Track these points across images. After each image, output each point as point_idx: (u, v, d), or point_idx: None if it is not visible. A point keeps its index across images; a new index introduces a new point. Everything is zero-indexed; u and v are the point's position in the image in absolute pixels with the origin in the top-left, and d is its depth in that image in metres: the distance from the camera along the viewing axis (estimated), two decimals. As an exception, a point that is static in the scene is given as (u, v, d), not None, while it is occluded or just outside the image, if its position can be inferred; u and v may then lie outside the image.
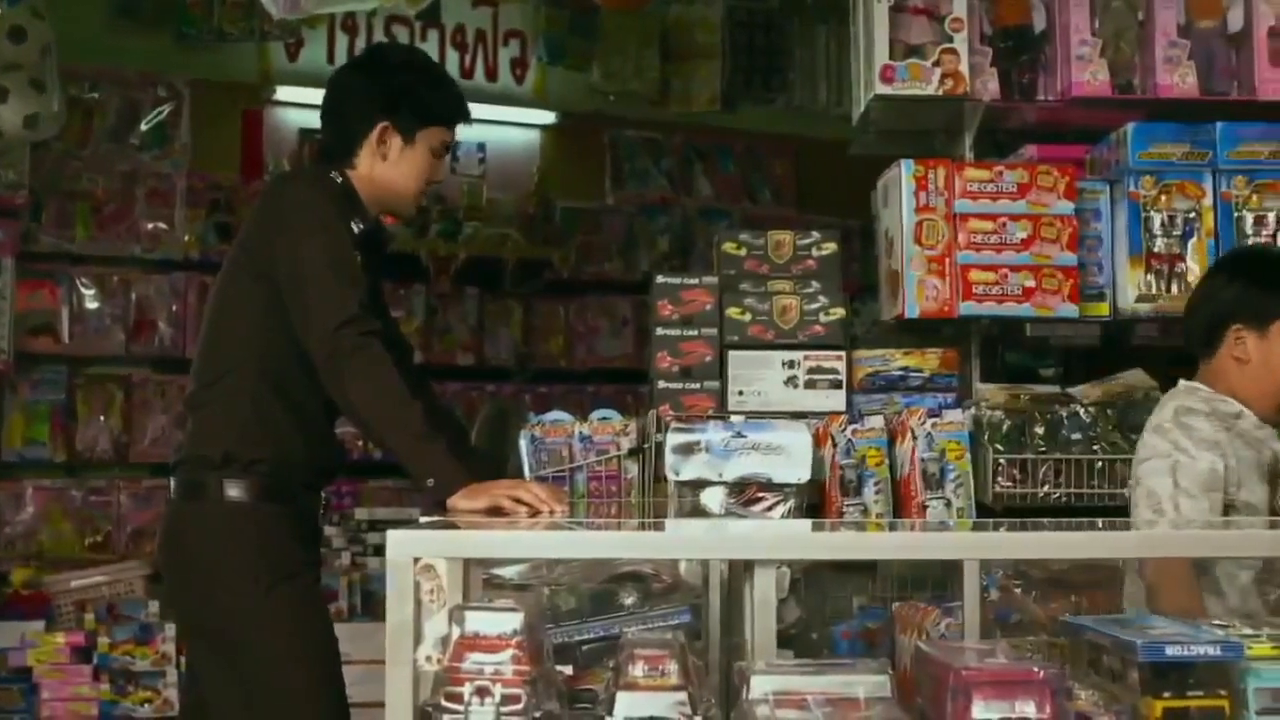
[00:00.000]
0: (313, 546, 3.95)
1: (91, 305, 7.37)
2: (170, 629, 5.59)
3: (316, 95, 4.09)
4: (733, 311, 4.50)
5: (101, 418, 7.39)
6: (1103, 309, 4.55)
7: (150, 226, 7.42)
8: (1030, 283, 4.41)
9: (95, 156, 7.37)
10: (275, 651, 3.65)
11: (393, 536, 2.36)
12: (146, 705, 5.56)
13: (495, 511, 3.22)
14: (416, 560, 2.37)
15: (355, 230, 3.79)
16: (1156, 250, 4.48)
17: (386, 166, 3.87)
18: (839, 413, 4.41)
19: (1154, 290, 4.47)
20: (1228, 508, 3.70)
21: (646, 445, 4.40)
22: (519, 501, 3.24)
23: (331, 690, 3.73)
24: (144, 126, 7.43)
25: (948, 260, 4.44)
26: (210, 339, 3.85)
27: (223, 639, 3.71)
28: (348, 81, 3.99)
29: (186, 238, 7.47)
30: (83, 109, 7.32)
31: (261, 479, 3.71)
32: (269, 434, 3.72)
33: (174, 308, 7.47)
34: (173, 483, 3.86)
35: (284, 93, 7.91)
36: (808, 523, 3.36)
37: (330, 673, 3.75)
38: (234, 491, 3.70)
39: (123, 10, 7.49)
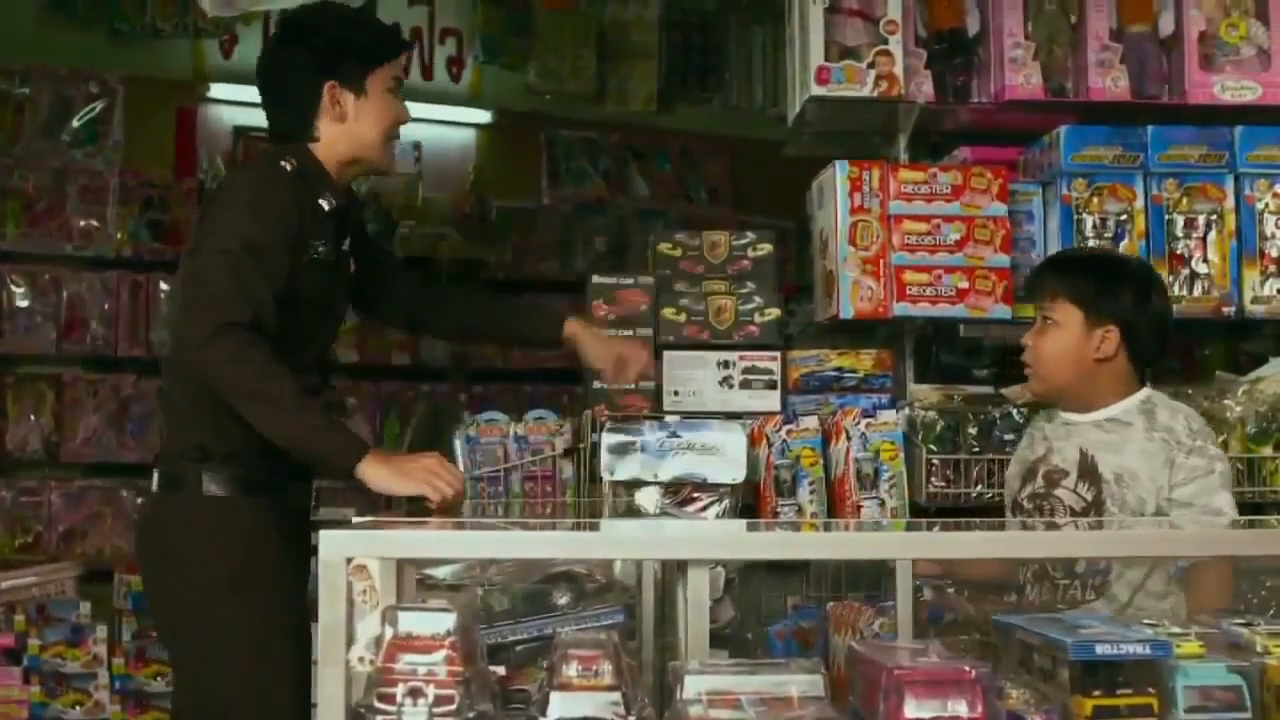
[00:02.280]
0: (299, 542, 3.80)
1: (22, 303, 7.30)
2: (101, 630, 5.54)
3: (251, 93, 3.99)
4: (668, 312, 4.51)
5: (32, 417, 7.32)
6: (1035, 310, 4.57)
7: (82, 224, 7.36)
8: (964, 284, 4.44)
9: (26, 153, 7.31)
10: (239, 658, 3.58)
11: (325, 536, 2.35)
12: (77, 708, 5.50)
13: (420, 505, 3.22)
14: (349, 560, 2.36)
15: (326, 208, 3.74)
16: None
17: (349, 125, 3.80)
18: (774, 413, 4.42)
19: (1085, 292, 4.50)
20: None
21: (582, 445, 4.40)
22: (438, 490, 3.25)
23: (294, 697, 3.67)
24: (76, 123, 7.38)
25: (882, 261, 4.46)
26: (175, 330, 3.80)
27: (191, 636, 3.64)
28: (278, 60, 3.89)
29: (119, 235, 7.41)
30: (14, 105, 7.28)
31: (238, 471, 3.65)
32: (240, 423, 3.57)
33: (106, 306, 7.41)
34: (154, 475, 3.78)
35: (218, 90, 7.86)
36: (742, 523, 3.37)
37: (294, 684, 3.67)
38: (213, 487, 3.64)
39: (55, 6, 7.43)
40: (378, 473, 3.28)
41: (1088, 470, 3.70)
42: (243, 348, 3.44)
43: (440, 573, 3.48)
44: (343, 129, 3.80)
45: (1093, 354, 3.74)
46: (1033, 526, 3.53)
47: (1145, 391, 3.80)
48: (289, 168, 3.74)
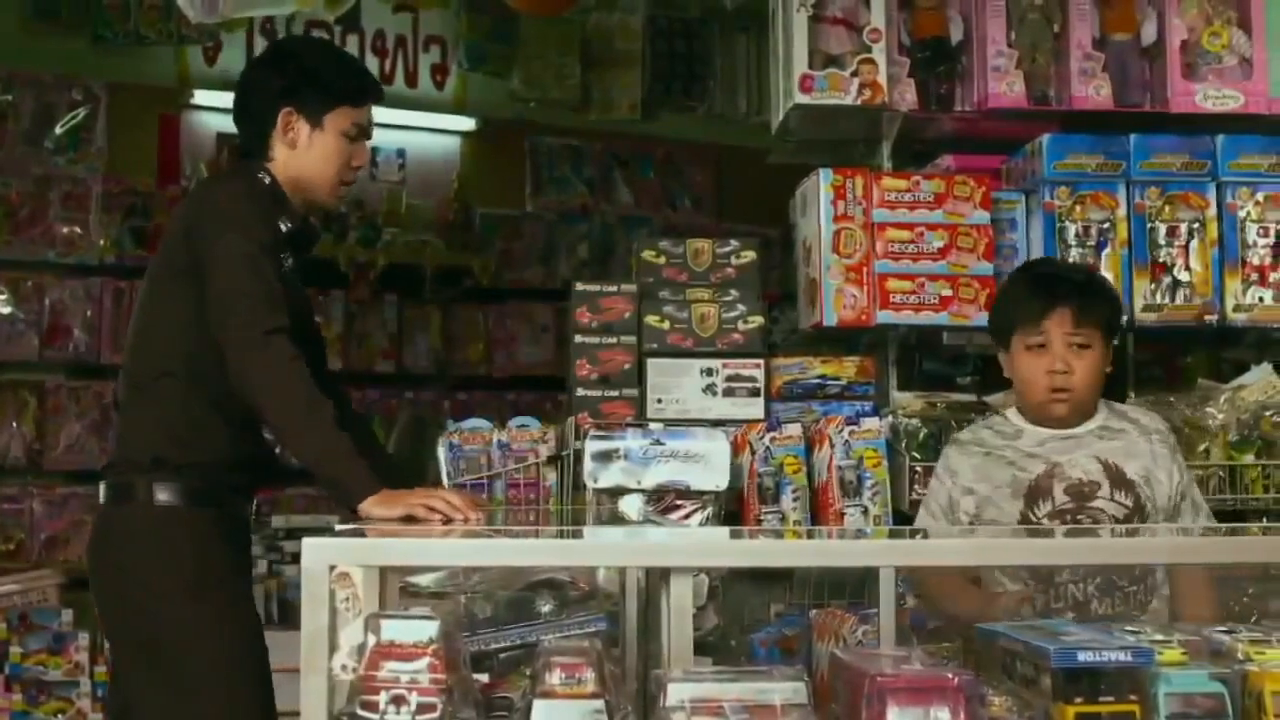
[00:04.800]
0: (244, 552, 3.90)
1: (4, 310, 7.28)
2: (84, 638, 5.53)
3: (235, 99, 4.05)
4: (651, 319, 4.51)
5: (14, 424, 7.29)
6: (1018, 318, 4.58)
7: (65, 231, 7.34)
8: (947, 292, 4.45)
9: (9, 160, 7.29)
10: (202, 659, 3.60)
11: (308, 544, 2.35)
12: (59, 716, 5.49)
13: (410, 520, 3.19)
14: (332, 568, 2.36)
15: (284, 229, 3.76)
16: (1071, 260, 4.52)
17: (297, 154, 3.82)
18: (757, 420, 4.42)
19: (1068, 300, 4.51)
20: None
21: (565, 453, 4.40)
22: (433, 510, 3.21)
23: (259, 699, 3.69)
24: (59, 130, 7.36)
25: (865, 269, 4.46)
26: (137, 341, 3.81)
27: (149, 645, 3.65)
28: (252, 75, 3.97)
29: (102, 242, 7.39)
30: (-3, 111, 7.26)
31: (191, 482, 3.66)
32: (199, 436, 3.66)
33: (89, 313, 7.39)
34: (102, 487, 3.80)
35: (202, 96, 7.85)
36: (725, 530, 3.37)
37: (258, 681, 3.70)
38: (164, 495, 3.65)
39: (39, 12, 7.41)
40: (372, 505, 3.28)
41: (1117, 478, 3.71)
42: (291, 360, 3.47)
43: (423, 580, 3.49)
44: (292, 155, 3.83)
45: (1106, 370, 3.79)
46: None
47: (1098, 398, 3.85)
48: (265, 181, 3.81)
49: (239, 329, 3.50)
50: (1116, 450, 3.74)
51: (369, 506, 3.25)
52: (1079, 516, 3.70)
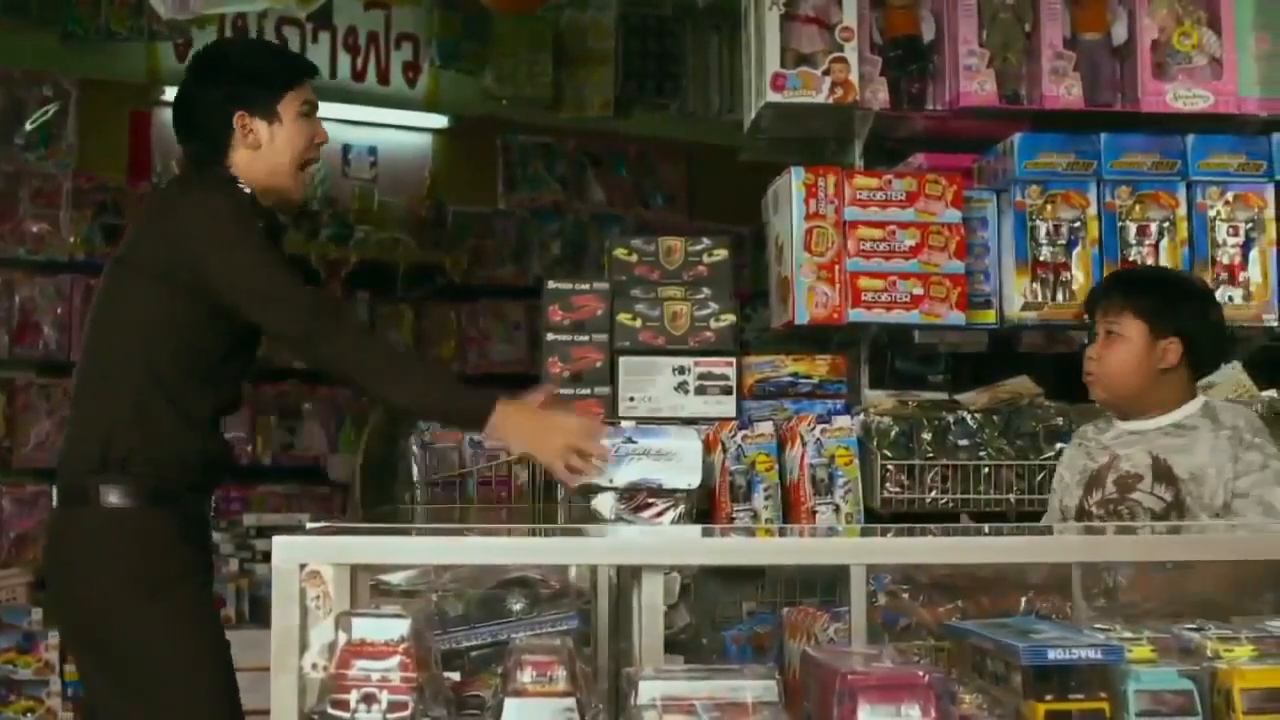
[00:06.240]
0: (201, 550, 3.86)
1: (-27, 308, 7.24)
2: (54, 637, 5.50)
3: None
4: (624, 317, 4.51)
5: (-17, 422, 7.26)
6: (989, 316, 4.60)
7: (35, 228, 7.30)
8: (919, 290, 4.46)
9: (-22, 156, 7.25)
10: (162, 660, 3.58)
11: (278, 542, 2.34)
12: (29, 715, 5.46)
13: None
14: (303, 566, 2.35)
15: (259, 227, 3.79)
16: (1042, 259, 4.54)
17: (262, 153, 3.82)
18: (729, 418, 4.42)
19: (1039, 298, 4.54)
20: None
21: (537, 451, 4.39)
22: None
23: (224, 697, 3.67)
24: (29, 126, 7.31)
25: (837, 267, 4.47)
26: (94, 340, 3.79)
27: (108, 648, 3.63)
28: (188, 93, 3.95)
29: (72, 239, 7.35)
30: (-35, 108, 7.21)
31: (142, 481, 3.64)
32: (148, 433, 3.63)
33: (59, 310, 7.35)
34: (54, 490, 3.79)
35: (173, 93, 7.77)
36: (697, 528, 3.37)
37: (221, 679, 3.68)
38: (114, 497, 3.63)
39: (8, 8, 7.36)
40: (514, 429, 3.32)
41: (1162, 472, 3.78)
42: (351, 329, 3.68)
43: (395, 578, 3.48)
44: (257, 155, 3.84)
45: (1156, 364, 3.83)
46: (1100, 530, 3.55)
47: (1202, 398, 3.91)
48: (246, 190, 3.83)
49: (292, 330, 3.60)
50: (1174, 447, 3.81)
51: (506, 429, 3.46)
52: (1120, 507, 3.80)
